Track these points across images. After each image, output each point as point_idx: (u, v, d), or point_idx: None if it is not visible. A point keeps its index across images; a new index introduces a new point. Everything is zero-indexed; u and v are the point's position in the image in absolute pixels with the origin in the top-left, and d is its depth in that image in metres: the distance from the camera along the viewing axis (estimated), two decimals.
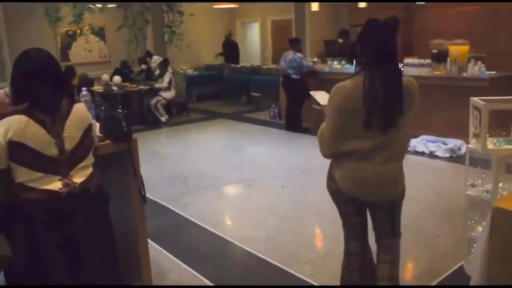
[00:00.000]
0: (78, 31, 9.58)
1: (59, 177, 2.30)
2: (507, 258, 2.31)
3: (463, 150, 6.46)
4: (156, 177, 5.72)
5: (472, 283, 2.50)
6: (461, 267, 3.35)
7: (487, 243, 2.35)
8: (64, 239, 2.35)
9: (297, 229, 4.32)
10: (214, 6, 12.15)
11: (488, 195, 3.05)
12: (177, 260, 3.76)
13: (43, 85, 2.26)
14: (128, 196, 3.02)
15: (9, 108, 2.30)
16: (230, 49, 12.25)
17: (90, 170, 2.44)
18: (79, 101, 2.48)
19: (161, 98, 9.34)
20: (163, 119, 9.35)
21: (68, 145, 2.32)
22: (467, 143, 6.91)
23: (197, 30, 10.86)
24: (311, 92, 3.04)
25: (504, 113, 2.94)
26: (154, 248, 3.81)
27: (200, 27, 11.53)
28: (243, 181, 5.72)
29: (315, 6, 10.15)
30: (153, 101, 9.28)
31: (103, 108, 2.85)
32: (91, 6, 8.77)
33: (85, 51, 11.36)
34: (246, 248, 3.91)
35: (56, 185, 2.30)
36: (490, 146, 2.97)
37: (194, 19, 9.91)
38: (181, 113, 10.11)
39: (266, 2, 11.90)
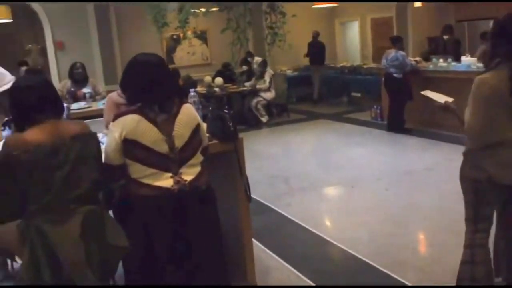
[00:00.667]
0: (182, 35, 9.99)
1: (170, 174, 2.41)
2: None
3: None
4: (258, 177, 5.79)
5: None
6: None
7: None
8: (175, 236, 2.45)
9: (403, 234, 4.15)
10: (313, 6, 12.07)
11: None
12: (280, 260, 3.77)
13: (158, 86, 2.39)
14: (233, 195, 3.07)
15: (123, 108, 2.45)
16: (317, 50, 11.95)
17: (198, 168, 2.52)
18: (187, 102, 2.57)
19: (262, 99, 9.47)
20: (264, 119, 9.47)
21: (178, 143, 2.42)
22: None
23: (296, 30, 10.87)
24: (423, 92, 2.96)
25: None
26: (257, 246, 3.84)
27: (299, 28, 11.52)
28: (345, 183, 5.62)
29: (418, 3, 9.76)
30: (254, 101, 9.44)
31: (210, 108, 2.93)
32: (196, 10, 9.09)
33: (188, 54, 11.80)
34: (349, 250, 3.83)
35: (168, 182, 2.41)
36: None
37: (292, 19, 9.92)
38: (281, 114, 10.17)
39: (366, 1, 11.61)
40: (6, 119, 3.36)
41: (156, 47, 10.73)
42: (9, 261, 3.56)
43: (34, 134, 2.22)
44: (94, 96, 6.54)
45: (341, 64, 12.30)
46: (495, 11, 9.03)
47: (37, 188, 2.20)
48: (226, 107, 3.00)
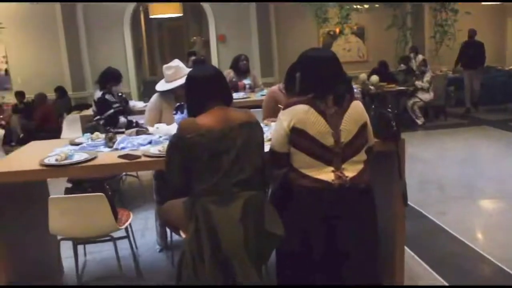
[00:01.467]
0: (338, 31, 9.92)
1: (332, 168, 2.43)
2: None
3: None
4: (411, 181, 5.47)
5: None
6: None
7: None
8: (330, 230, 2.46)
9: None
10: (483, 4, 11.17)
11: None
12: (429, 269, 3.59)
13: (334, 79, 2.46)
14: (388, 197, 2.99)
15: (295, 98, 2.53)
16: (475, 51, 10.80)
17: (361, 166, 2.50)
18: (357, 98, 2.56)
19: (418, 100, 9.07)
20: (419, 121, 9.06)
21: (344, 137, 2.43)
22: None
23: (464, 28, 10.16)
24: None
25: None
26: (406, 252, 3.70)
27: (466, 26, 10.72)
28: (507, 197, 5.15)
29: None
30: (410, 102, 9.07)
31: (373, 106, 2.88)
32: (358, 6, 8.97)
33: (344, 51, 11.69)
34: (509, 271, 3.51)
35: (328, 176, 2.42)
36: None
37: (463, 17, 9.29)
38: (438, 116, 9.65)
39: None
40: (177, 104, 3.65)
41: (312, 42, 10.86)
42: (168, 233, 3.89)
43: (206, 120, 2.40)
44: (253, 88, 6.80)
45: (510, 67, 11.26)
46: None
47: (206, 169, 2.37)
48: (390, 106, 2.91)
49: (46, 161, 2.87)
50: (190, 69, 3.59)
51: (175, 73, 3.80)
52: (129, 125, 4.85)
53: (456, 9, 9.37)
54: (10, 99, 10.22)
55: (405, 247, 3.67)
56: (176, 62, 3.91)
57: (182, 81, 3.50)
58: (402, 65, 9.74)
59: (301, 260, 2.55)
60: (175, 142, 2.42)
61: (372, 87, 9.14)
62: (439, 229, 4.33)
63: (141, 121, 4.94)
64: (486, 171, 6.18)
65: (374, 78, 9.28)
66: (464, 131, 8.76)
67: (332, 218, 2.44)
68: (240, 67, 6.76)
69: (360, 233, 2.48)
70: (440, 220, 4.50)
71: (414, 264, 3.66)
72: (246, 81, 6.79)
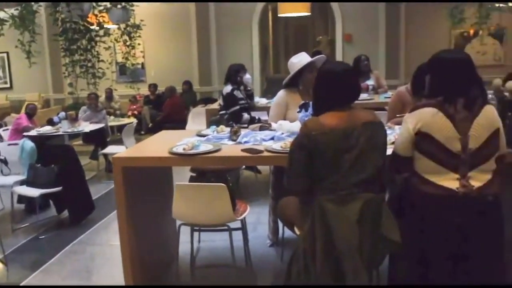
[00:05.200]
0: (472, 32, 9.26)
1: (457, 175, 2.31)
2: None
3: None
4: None
5: None
6: None
7: None
8: (452, 240, 2.34)
9: None
10: None
11: None
12: None
13: (468, 82, 2.36)
14: None
15: (423, 101, 2.45)
16: None
17: (489, 176, 2.35)
18: (489, 103, 2.41)
19: None
20: None
21: (472, 144, 2.30)
22: None
23: None
24: None
25: None
26: None
27: None
28: None
29: None
30: None
31: (509, 114, 2.68)
32: (501, 5, 8.31)
33: (478, 54, 10.98)
34: None
35: (453, 183, 2.32)
36: None
37: None
38: None
39: None
40: (302, 102, 3.69)
41: (443, 44, 10.31)
42: (280, 230, 3.95)
43: (330, 119, 2.40)
44: (376, 89, 6.66)
45: None
46: None
47: (327, 167, 2.37)
48: None
49: (175, 149, 3.07)
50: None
51: (301, 60, 3.80)
52: (252, 121, 5.01)
53: None
54: (144, 90, 11.06)
55: None
56: (303, 54, 3.91)
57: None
58: None
59: (416, 267, 2.45)
60: (300, 140, 2.45)
61: (507, 94, 8.46)
62: None
63: (263, 118, 5.07)
64: None
65: (510, 84, 8.58)
66: None
67: (455, 227, 2.32)
68: (361, 67, 6.65)
69: (483, 247, 2.33)
70: None
71: None
72: (369, 82, 6.66)
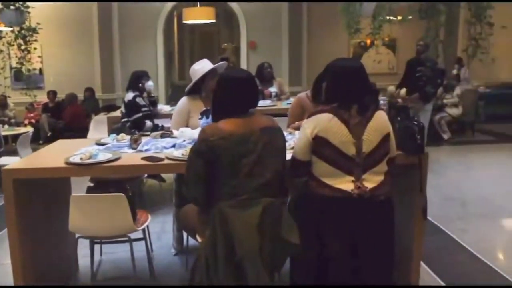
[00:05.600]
0: (369, 42, 9.82)
1: (352, 178, 2.44)
2: None
3: None
4: (433, 196, 5.40)
5: None
6: None
7: None
8: (348, 240, 2.47)
9: None
10: None
11: None
12: (443, 284, 3.55)
13: (359, 89, 2.50)
14: (408, 211, 2.97)
15: (320, 107, 2.56)
16: None
17: (381, 177, 2.51)
18: (381, 109, 2.57)
19: (446, 115, 8.95)
20: (445, 136, 8.94)
21: (366, 147, 2.44)
22: None
23: (501, 43, 9.94)
24: None
25: None
26: (422, 268, 3.65)
27: (504, 40, 10.46)
28: None
29: None
30: (437, 117, 8.95)
31: (398, 119, 2.87)
32: (392, 18, 8.88)
33: (374, 62, 11.63)
34: None
35: (348, 185, 2.44)
36: None
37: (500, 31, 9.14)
38: (465, 132, 9.50)
39: None
40: (204, 109, 3.70)
41: (343, 52, 10.83)
42: (185, 238, 3.93)
43: (228, 124, 2.44)
44: (279, 95, 6.83)
45: None
46: None
47: (226, 173, 2.40)
48: (416, 119, 2.91)
49: (71, 159, 2.95)
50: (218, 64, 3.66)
51: (203, 67, 3.81)
52: (155, 129, 4.93)
53: (492, 23, 9.21)
54: (42, 98, 10.50)
55: (422, 263, 3.66)
56: (205, 60, 3.92)
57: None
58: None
59: (315, 268, 2.55)
60: (198, 147, 2.46)
61: (399, 100, 9.04)
62: (458, 247, 4.26)
63: (167, 125, 5.02)
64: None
65: (403, 91, 9.18)
66: (493, 149, 8.61)
67: (351, 228, 2.45)
68: (264, 75, 6.79)
69: (376, 244, 2.48)
70: (461, 238, 4.43)
71: (429, 281, 3.61)
72: (272, 89, 6.82)
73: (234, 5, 11.15)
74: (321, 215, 2.48)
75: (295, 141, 2.92)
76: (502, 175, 6.85)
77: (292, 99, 6.11)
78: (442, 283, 3.58)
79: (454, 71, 9.77)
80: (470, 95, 9.67)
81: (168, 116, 5.64)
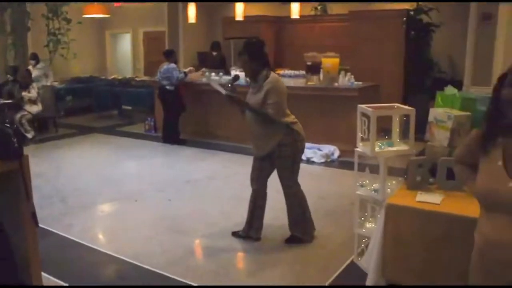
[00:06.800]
0: None
1: None
2: (399, 245, 2.63)
3: (336, 155, 6.94)
4: None
5: (369, 273, 2.76)
6: (352, 261, 3.67)
7: (381, 235, 2.68)
8: None
9: (192, 241, 4.30)
10: (84, 16, 11.45)
11: (376, 193, 3.30)
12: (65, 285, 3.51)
13: None
14: (18, 221, 2.75)
15: None
16: None
17: None
18: None
19: (27, 113, 8.64)
20: (29, 135, 8.62)
21: None
22: (340, 148, 7.35)
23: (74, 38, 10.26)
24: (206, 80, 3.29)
25: (383, 119, 3.23)
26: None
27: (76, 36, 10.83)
28: (127, 197, 5.52)
29: (192, 18, 9.99)
30: (18, 116, 8.52)
31: None
32: None
33: None
34: (142, 265, 3.78)
35: None
36: (376, 149, 3.21)
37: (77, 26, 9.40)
38: (48, 128, 9.47)
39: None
40: None
41: None
42: None
43: None
44: None
45: (112, 77, 12.07)
46: (262, 29, 10.08)
47: None
48: (7, 121, 2.67)
49: None
50: None
51: None
52: None
53: (69, 19, 9.36)
54: None
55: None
56: None
57: None
58: (9, 76, 9.10)
59: None
60: None
61: None
62: (70, 243, 4.27)
63: None
64: (105, 176, 6.43)
65: None
66: (77, 141, 8.89)
67: None
68: None
69: None
70: (69, 233, 4.45)
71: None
72: None
73: None
74: None
75: None
76: (91, 164, 7.19)
77: None
78: (66, 284, 3.52)
79: (30, 67, 9.48)
80: (48, 91, 9.64)
81: None
